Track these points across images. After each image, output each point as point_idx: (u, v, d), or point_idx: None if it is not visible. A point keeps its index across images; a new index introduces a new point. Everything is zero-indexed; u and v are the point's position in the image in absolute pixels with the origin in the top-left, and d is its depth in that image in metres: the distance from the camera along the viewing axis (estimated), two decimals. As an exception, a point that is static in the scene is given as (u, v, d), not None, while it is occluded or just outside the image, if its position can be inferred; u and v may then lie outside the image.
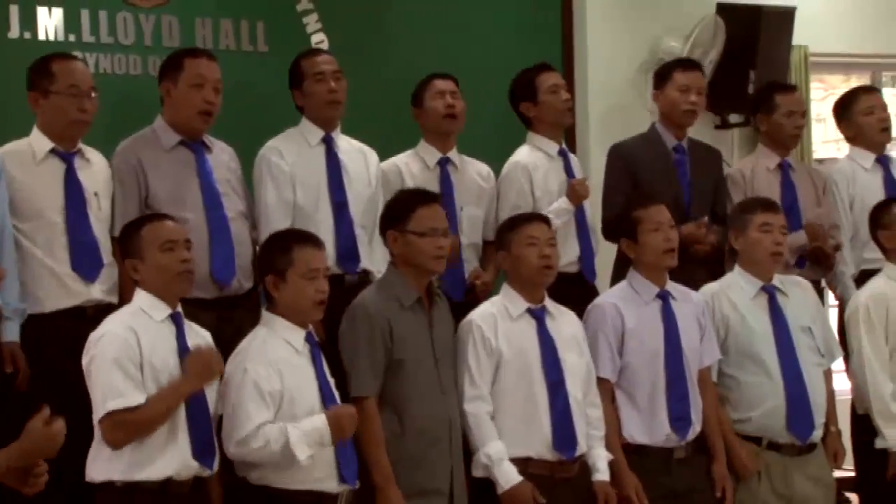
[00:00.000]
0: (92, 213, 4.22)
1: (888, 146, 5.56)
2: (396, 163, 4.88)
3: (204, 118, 4.39)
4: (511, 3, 6.08)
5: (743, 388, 4.56)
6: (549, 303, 4.36)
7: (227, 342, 3.94)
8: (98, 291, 4.17)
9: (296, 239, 4.00)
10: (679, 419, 4.40)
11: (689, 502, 4.41)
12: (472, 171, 5.00)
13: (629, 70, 5.38)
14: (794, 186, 5.26)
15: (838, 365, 4.92)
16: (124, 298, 4.06)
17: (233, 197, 4.48)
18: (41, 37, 5.04)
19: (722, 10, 6.29)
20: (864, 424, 4.78)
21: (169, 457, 3.69)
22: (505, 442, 4.16)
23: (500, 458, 4.13)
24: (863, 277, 5.08)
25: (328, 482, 3.84)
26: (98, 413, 3.65)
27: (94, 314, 4.02)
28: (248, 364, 3.81)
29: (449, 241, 4.23)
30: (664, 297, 4.51)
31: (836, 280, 5.25)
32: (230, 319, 4.23)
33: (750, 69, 6.25)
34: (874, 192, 5.26)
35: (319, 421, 3.78)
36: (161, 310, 3.81)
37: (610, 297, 4.57)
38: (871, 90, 5.66)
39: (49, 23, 5.07)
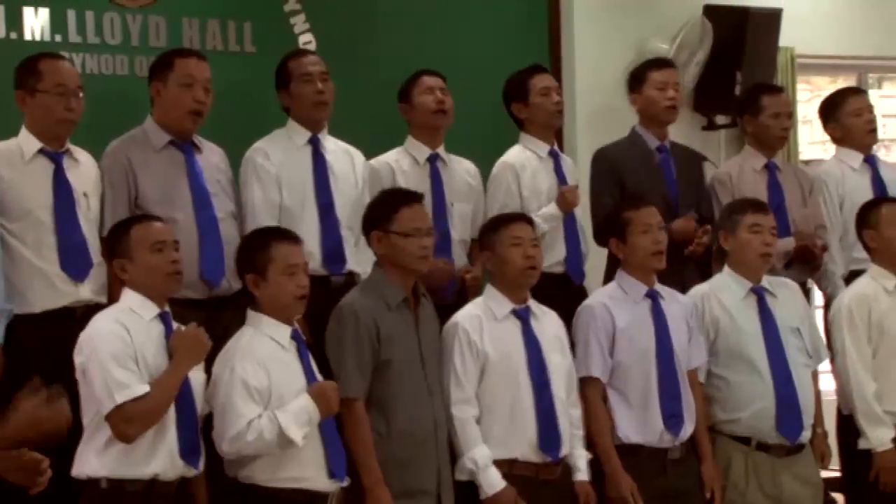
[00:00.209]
0: (81, 213, 4.21)
1: (874, 147, 5.59)
2: (387, 160, 4.88)
3: (194, 118, 4.39)
4: (499, 4, 6.08)
5: (732, 389, 4.57)
6: (532, 303, 4.37)
7: (215, 342, 3.93)
8: (87, 291, 4.17)
9: (273, 236, 4.01)
10: (672, 416, 4.41)
11: (681, 503, 4.42)
12: (460, 169, 5.01)
13: (616, 71, 5.40)
14: (780, 187, 5.28)
15: (824, 366, 4.93)
16: (112, 298, 4.06)
17: (222, 197, 4.49)
18: (27, 37, 5.03)
19: (709, 11, 6.30)
20: (849, 425, 4.78)
21: (157, 455, 3.70)
22: (490, 444, 4.17)
23: (485, 463, 4.14)
24: (852, 277, 5.09)
25: (318, 480, 3.85)
26: (105, 408, 3.65)
27: (83, 314, 4.02)
28: (236, 362, 3.82)
29: (433, 241, 4.23)
30: (653, 296, 4.52)
31: (827, 280, 5.27)
32: (219, 320, 4.22)
33: (736, 70, 6.26)
34: (863, 192, 5.28)
35: (304, 400, 3.81)
36: (149, 309, 3.82)
37: (599, 297, 4.57)
38: (859, 91, 5.68)
39: (35, 23, 5.06)
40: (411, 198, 4.23)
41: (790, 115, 5.52)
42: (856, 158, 5.41)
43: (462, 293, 4.73)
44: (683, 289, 4.72)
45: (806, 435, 4.58)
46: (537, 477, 4.22)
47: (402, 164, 4.88)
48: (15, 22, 5.03)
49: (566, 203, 4.92)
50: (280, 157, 4.61)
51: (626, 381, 4.44)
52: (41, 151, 4.20)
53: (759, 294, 4.65)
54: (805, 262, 5.16)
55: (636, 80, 5.22)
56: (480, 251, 4.46)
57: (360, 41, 5.66)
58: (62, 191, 4.20)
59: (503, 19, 6.06)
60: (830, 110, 5.51)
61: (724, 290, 4.67)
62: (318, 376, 3.96)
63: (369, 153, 4.88)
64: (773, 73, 6.47)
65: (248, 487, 3.82)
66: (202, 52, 4.73)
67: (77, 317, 4.04)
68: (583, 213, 5.14)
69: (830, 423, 4.86)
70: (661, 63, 5.30)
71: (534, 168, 5.04)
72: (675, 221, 4.92)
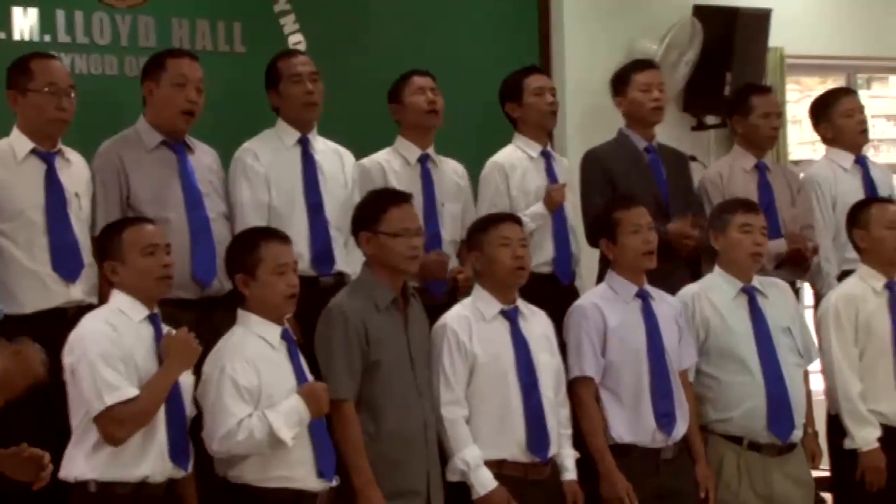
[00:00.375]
0: (72, 214, 4.21)
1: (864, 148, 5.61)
2: (378, 160, 4.88)
3: (186, 118, 4.40)
4: (488, 4, 6.08)
5: (724, 388, 4.58)
6: (521, 303, 4.37)
7: (206, 342, 3.93)
8: (79, 292, 4.16)
9: (262, 236, 4.02)
10: (664, 415, 4.42)
11: (675, 503, 4.42)
12: (449, 169, 5.01)
13: (606, 71, 5.39)
14: (770, 187, 5.29)
15: (815, 366, 4.94)
16: (104, 299, 4.05)
17: (214, 198, 4.49)
18: (16, 37, 5.01)
19: (698, 11, 6.31)
20: (837, 425, 4.80)
21: (147, 457, 3.70)
22: (479, 444, 4.17)
23: (476, 463, 4.14)
24: (845, 277, 5.10)
25: (307, 479, 3.85)
26: (94, 410, 3.64)
27: (74, 315, 4.01)
28: (225, 361, 3.82)
29: (422, 241, 4.23)
30: (643, 296, 4.53)
31: (821, 280, 5.27)
32: (210, 320, 4.23)
33: (726, 71, 6.26)
34: (854, 192, 5.29)
35: (294, 400, 3.81)
36: (139, 311, 3.82)
37: (590, 297, 4.58)
38: (850, 92, 5.70)
39: (24, 23, 5.04)
40: (400, 198, 4.22)
41: (779, 115, 5.54)
42: (847, 159, 5.43)
43: (453, 293, 4.73)
44: (674, 290, 4.73)
45: (797, 434, 4.59)
46: (526, 477, 4.22)
47: (392, 164, 4.87)
48: (3, 22, 5.01)
49: (551, 202, 4.93)
50: (269, 157, 4.61)
51: (617, 380, 4.44)
52: (33, 152, 4.20)
53: (750, 294, 4.66)
54: (796, 265, 5.17)
55: (620, 82, 5.23)
56: (469, 251, 4.45)
57: (349, 41, 5.65)
58: (54, 191, 4.19)
59: (493, 20, 6.06)
60: (822, 111, 5.52)
61: (714, 289, 4.68)
62: (309, 376, 3.96)
63: (359, 153, 4.87)
64: (763, 73, 6.47)
65: (237, 487, 3.83)
66: (192, 52, 4.73)
67: (68, 317, 4.03)
68: (574, 214, 5.13)
69: (822, 423, 4.87)
70: (644, 65, 5.32)
71: (524, 168, 5.04)
72: (671, 223, 4.93)
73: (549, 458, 4.26)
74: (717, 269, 4.72)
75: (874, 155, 5.64)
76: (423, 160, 4.91)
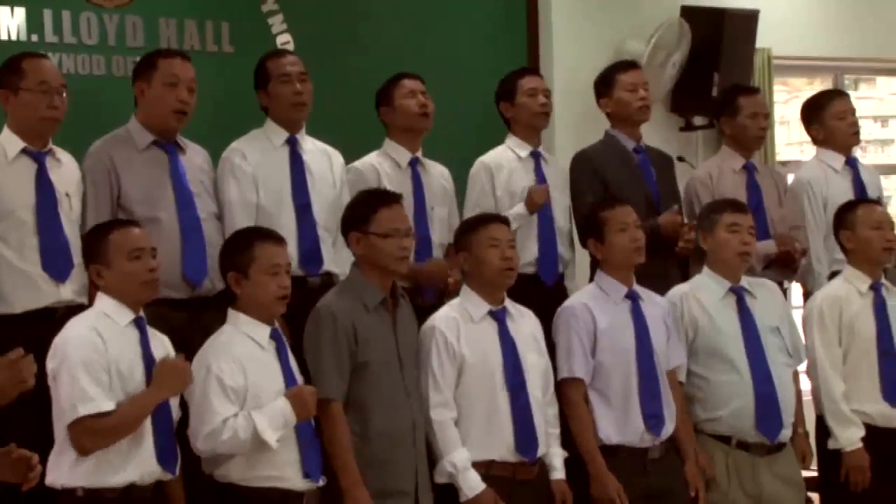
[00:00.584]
0: (63, 214, 4.21)
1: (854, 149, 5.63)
2: (370, 162, 4.87)
3: (178, 117, 4.41)
4: (477, 5, 6.08)
5: (712, 388, 4.59)
6: (509, 303, 4.37)
7: (196, 342, 3.94)
8: (69, 292, 4.15)
9: (257, 236, 4.01)
10: (653, 417, 4.42)
11: (665, 503, 4.43)
12: (436, 172, 5.02)
13: (594, 72, 5.39)
14: (759, 188, 5.31)
15: (805, 366, 4.95)
16: (93, 300, 4.03)
17: (205, 198, 4.49)
18: (3, 37, 4.99)
19: (686, 12, 6.32)
20: (824, 425, 4.81)
21: (134, 462, 3.69)
22: (468, 445, 4.17)
23: (464, 466, 4.14)
24: (833, 278, 5.12)
25: (293, 479, 3.85)
26: (67, 418, 3.63)
27: (63, 315, 4.00)
28: (212, 360, 3.82)
29: (412, 242, 4.24)
30: (633, 297, 4.53)
31: (812, 280, 5.28)
32: (200, 320, 4.23)
33: (714, 71, 6.27)
34: (844, 193, 5.30)
35: (281, 403, 3.81)
36: (124, 315, 3.79)
37: (580, 297, 4.58)
38: (843, 94, 5.70)
39: (11, 23, 5.02)
40: (390, 198, 4.22)
41: (767, 115, 5.55)
42: (837, 160, 5.45)
43: (441, 296, 4.73)
44: (667, 291, 4.75)
45: (786, 434, 4.60)
46: (514, 477, 4.22)
47: (384, 166, 4.87)
48: (-10, 22, 5.01)
49: (532, 203, 4.93)
50: (257, 157, 4.60)
51: (606, 382, 4.44)
52: (24, 151, 4.19)
53: (739, 294, 4.67)
54: (784, 266, 5.19)
55: (604, 84, 5.24)
56: (457, 252, 4.45)
57: (337, 42, 5.65)
58: (45, 191, 4.19)
59: (482, 20, 6.06)
60: (814, 112, 5.53)
61: (703, 290, 4.69)
62: (298, 377, 3.96)
63: (347, 153, 4.87)
64: (750, 74, 6.49)
65: (224, 486, 3.83)
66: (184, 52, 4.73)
67: (57, 317, 4.02)
68: (563, 215, 5.13)
69: (812, 423, 4.89)
70: (628, 65, 5.34)
71: (511, 168, 5.05)
72: (660, 216, 4.97)
73: (537, 458, 4.27)
74: (705, 269, 4.73)
75: (861, 156, 5.66)
76: (413, 163, 4.91)
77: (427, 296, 4.73)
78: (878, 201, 5.19)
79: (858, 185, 5.40)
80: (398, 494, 4.08)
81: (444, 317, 4.29)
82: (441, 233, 4.91)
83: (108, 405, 3.64)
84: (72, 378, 3.63)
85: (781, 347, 4.67)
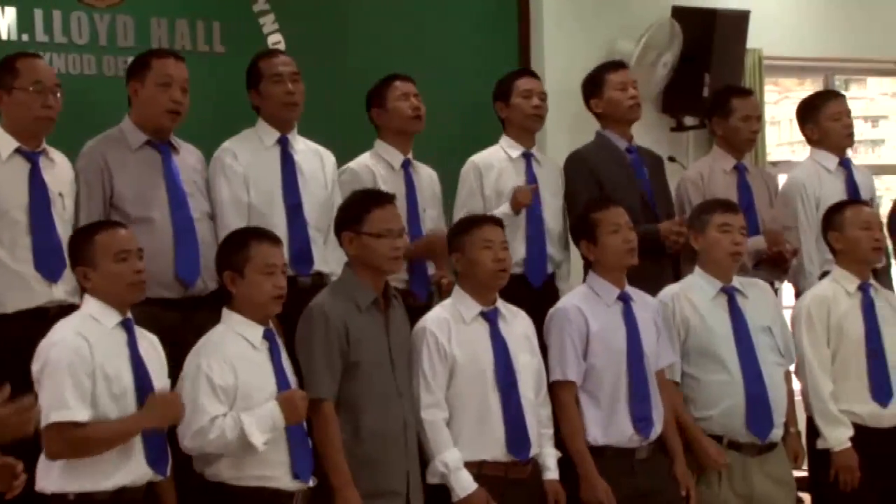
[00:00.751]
0: (56, 214, 4.21)
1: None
2: (365, 163, 4.87)
3: (171, 117, 4.42)
4: (468, 5, 6.08)
5: (704, 388, 4.60)
6: (501, 304, 4.38)
7: (189, 342, 3.94)
8: (61, 292, 4.15)
9: (253, 235, 4.02)
10: (642, 419, 4.42)
11: (653, 503, 4.43)
12: (426, 175, 5.02)
13: (585, 72, 5.38)
14: (750, 188, 5.32)
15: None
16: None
17: (198, 198, 4.50)
18: (-7, 36, 5.01)
19: (677, 13, 6.33)
20: (814, 425, 4.82)
21: (125, 465, 3.68)
22: (459, 445, 4.17)
23: (456, 466, 4.14)
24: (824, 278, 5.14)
25: (282, 479, 3.86)
26: (41, 421, 3.56)
27: (55, 314, 4.00)
28: (202, 359, 3.83)
29: (405, 242, 4.24)
30: (625, 298, 4.54)
31: (804, 279, 5.28)
32: (192, 319, 4.23)
33: (704, 72, 6.27)
34: (837, 194, 5.30)
35: (271, 405, 3.82)
36: (112, 317, 3.78)
37: (572, 299, 4.57)
38: (839, 96, 5.71)
39: (1, 22, 5.02)
40: (383, 199, 4.22)
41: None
42: (831, 161, 5.45)
43: (431, 296, 4.74)
44: (661, 286, 4.76)
45: (777, 433, 4.61)
46: (507, 476, 4.22)
47: (378, 168, 4.87)
48: (-19, 22, 5.00)
49: (516, 202, 4.93)
50: (248, 157, 4.61)
51: (597, 383, 4.44)
52: (17, 151, 4.20)
53: (730, 294, 4.68)
54: (776, 266, 5.20)
55: (593, 85, 5.25)
56: (449, 253, 4.46)
57: (328, 42, 5.65)
58: (38, 191, 4.20)
59: (472, 21, 6.06)
60: (809, 112, 5.54)
61: (694, 290, 4.69)
62: (291, 377, 3.97)
63: (338, 153, 4.87)
64: (741, 74, 6.49)
65: (214, 485, 3.84)
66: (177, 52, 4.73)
67: (50, 317, 4.01)
68: (554, 216, 5.13)
69: (804, 423, 4.90)
70: (616, 65, 5.35)
71: (501, 168, 5.05)
72: (661, 224, 4.97)
73: (529, 458, 4.27)
74: (697, 269, 4.74)
75: (852, 156, 5.66)
76: (406, 165, 4.92)
77: (418, 296, 4.73)
78: (867, 202, 5.19)
79: (851, 185, 5.40)
80: (389, 495, 4.09)
81: (436, 318, 4.29)
82: (433, 234, 4.92)
83: (82, 414, 3.61)
84: (52, 383, 3.61)
85: (773, 347, 4.68)
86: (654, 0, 6.32)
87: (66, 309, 4.01)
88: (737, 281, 4.72)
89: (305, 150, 4.73)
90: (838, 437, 4.73)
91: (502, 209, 4.91)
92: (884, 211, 5.60)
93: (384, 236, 4.11)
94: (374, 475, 4.05)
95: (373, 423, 4.07)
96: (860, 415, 4.76)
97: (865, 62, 7.27)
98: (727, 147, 5.39)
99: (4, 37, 5.01)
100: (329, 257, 4.62)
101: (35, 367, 3.68)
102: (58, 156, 4.33)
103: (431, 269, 4.86)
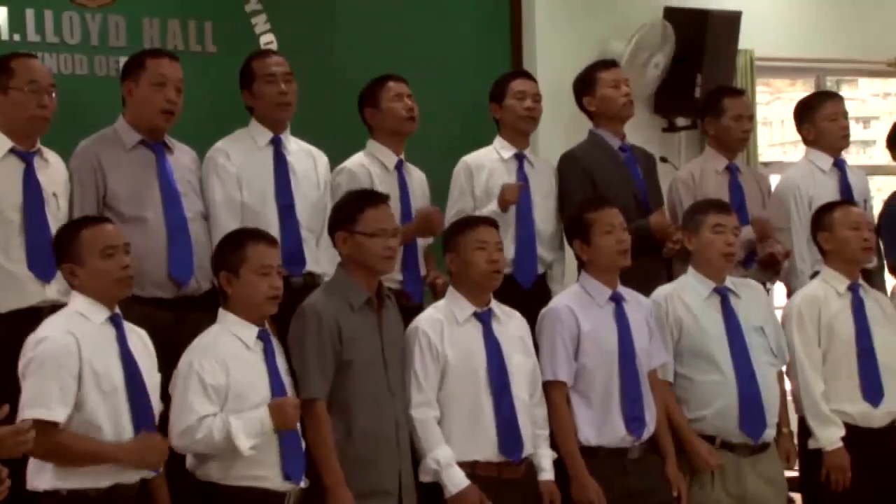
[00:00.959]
0: (50, 213, 4.21)
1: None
2: (360, 163, 4.87)
3: (166, 117, 4.42)
4: (460, 6, 6.08)
5: (697, 388, 4.61)
6: (495, 305, 4.38)
7: (182, 342, 3.94)
8: (54, 292, 4.15)
9: (250, 236, 4.02)
10: (634, 420, 4.43)
11: (645, 502, 4.43)
12: (417, 176, 5.02)
13: (578, 72, 5.41)
14: (741, 189, 5.33)
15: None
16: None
17: (192, 198, 4.50)
18: (-15, 36, 5.00)
19: (669, 13, 6.33)
20: (805, 425, 4.83)
21: (117, 466, 3.67)
22: (452, 446, 4.17)
23: (447, 462, 4.14)
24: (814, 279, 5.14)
25: (273, 480, 3.86)
26: (18, 415, 3.53)
27: (48, 314, 3.97)
28: (195, 358, 3.84)
29: (398, 242, 4.25)
30: (617, 299, 4.54)
31: (796, 279, 5.29)
32: (187, 319, 4.24)
33: (696, 72, 6.28)
34: (830, 194, 5.30)
35: (261, 411, 3.82)
36: (100, 313, 3.77)
37: (564, 300, 4.57)
38: (836, 97, 5.72)
39: (-7, 22, 5.03)
40: (377, 198, 4.23)
41: (751, 117, 5.59)
42: (826, 161, 5.45)
43: (433, 294, 4.74)
44: (656, 286, 4.77)
45: (770, 434, 4.62)
46: (500, 477, 4.23)
47: (373, 168, 4.87)
48: (-27, 21, 4.99)
49: (503, 199, 4.92)
50: (241, 157, 4.61)
51: (588, 384, 4.44)
52: (12, 151, 4.20)
53: (723, 294, 4.68)
54: (768, 267, 5.21)
55: (585, 84, 5.25)
56: (444, 253, 4.46)
57: (321, 42, 5.65)
58: (32, 191, 4.19)
59: (465, 21, 6.06)
60: (806, 112, 5.55)
61: (687, 290, 4.70)
62: (285, 378, 3.97)
63: (330, 153, 4.87)
64: (733, 75, 6.50)
65: (205, 484, 3.84)
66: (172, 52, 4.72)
67: (43, 316, 3.98)
68: (547, 217, 5.13)
69: (796, 423, 4.90)
70: (608, 63, 5.35)
71: (492, 169, 5.06)
72: (650, 217, 4.97)
73: (522, 458, 4.27)
74: (690, 269, 4.75)
75: (844, 155, 5.67)
76: (399, 166, 4.92)
77: (412, 296, 4.73)
78: (856, 203, 5.19)
79: (845, 186, 5.41)
80: (381, 494, 4.09)
81: (429, 318, 4.29)
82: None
83: (59, 415, 3.58)
84: (35, 380, 3.60)
85: (766, 347, 4.69)
86: (646, 1, 6.33)
87: (59, 308, 3.99)
88: (730, 281, 4.73)
89: (298, 151, 4.73)
90: (829, 436, 4.73)
91: (490, 207, 4.91)
92: (877, 212, 5.62)
93: (378, 236, 4.11)
94: (366, 475, 4.05)
95: (365, 423, 4.07)
96: (851, 415, 4.78)
97: (857, 63, 7.28)
98: (719, 147, 5.40)
99: (-4, 36, 5.01)
100: (321, 258, 4.62)
101: (21, 361, 3.67)
102: (52, 156, 4.33)
103: (426, 271, 4.87)
